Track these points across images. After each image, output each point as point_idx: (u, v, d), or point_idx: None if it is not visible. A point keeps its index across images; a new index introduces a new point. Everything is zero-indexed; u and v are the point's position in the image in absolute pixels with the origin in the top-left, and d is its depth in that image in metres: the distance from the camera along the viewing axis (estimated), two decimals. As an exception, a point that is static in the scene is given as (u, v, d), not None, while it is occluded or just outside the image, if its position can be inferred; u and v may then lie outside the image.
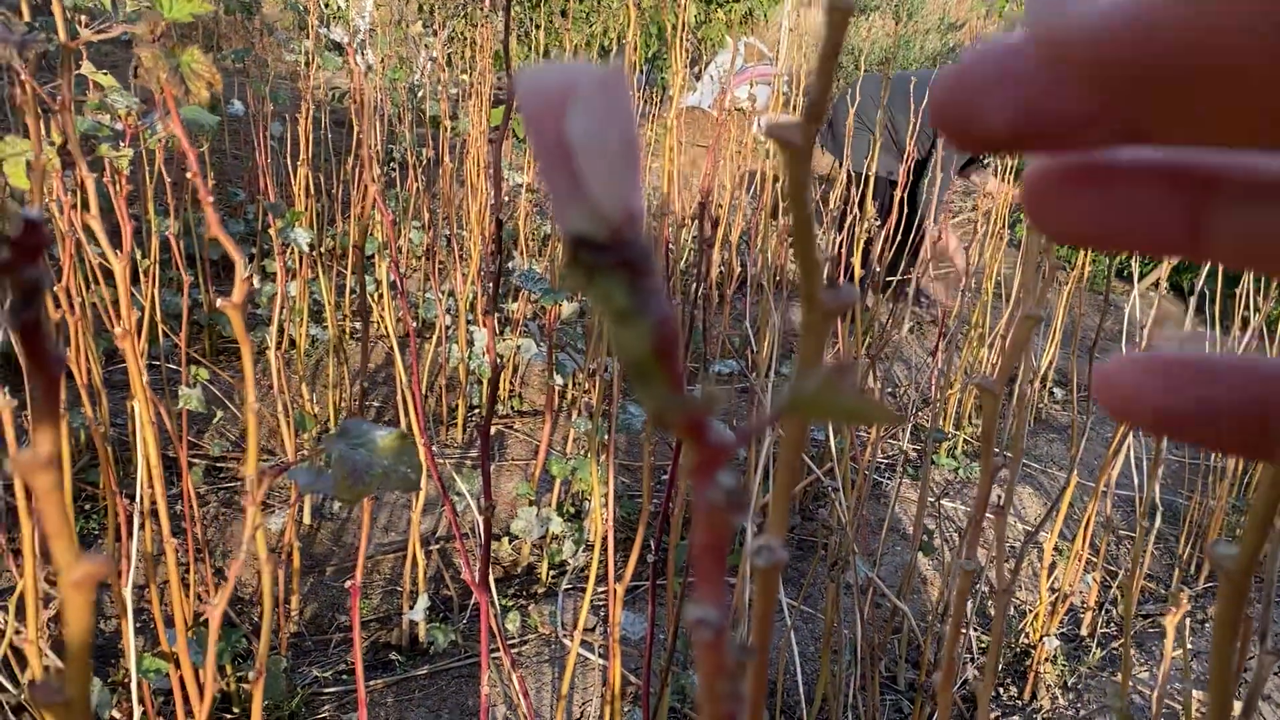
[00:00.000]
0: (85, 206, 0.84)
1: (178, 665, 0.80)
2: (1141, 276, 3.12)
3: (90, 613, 0.22)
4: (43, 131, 0.80)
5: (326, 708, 1.52)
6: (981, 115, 0.15)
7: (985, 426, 0.54)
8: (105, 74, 1.19)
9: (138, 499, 0.86)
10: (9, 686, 1.27)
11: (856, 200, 2.63)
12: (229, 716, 1.44)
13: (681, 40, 3.65)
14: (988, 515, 0.59)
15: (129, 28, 0.63)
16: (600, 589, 1.80)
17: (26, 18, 0.65)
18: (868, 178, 2.70)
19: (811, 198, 0.19)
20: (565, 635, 1.72)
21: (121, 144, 0.86)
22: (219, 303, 0.53)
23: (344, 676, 1.58)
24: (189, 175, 0.52)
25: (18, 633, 0.74)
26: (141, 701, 0.81)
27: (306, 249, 1.64)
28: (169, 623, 1.27)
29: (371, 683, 1.57)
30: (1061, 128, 0.15)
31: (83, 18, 1.21)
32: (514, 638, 1.72)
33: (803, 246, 0.23)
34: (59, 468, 0.20)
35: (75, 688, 0.22)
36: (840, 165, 3.33)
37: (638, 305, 0.13)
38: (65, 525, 0.20)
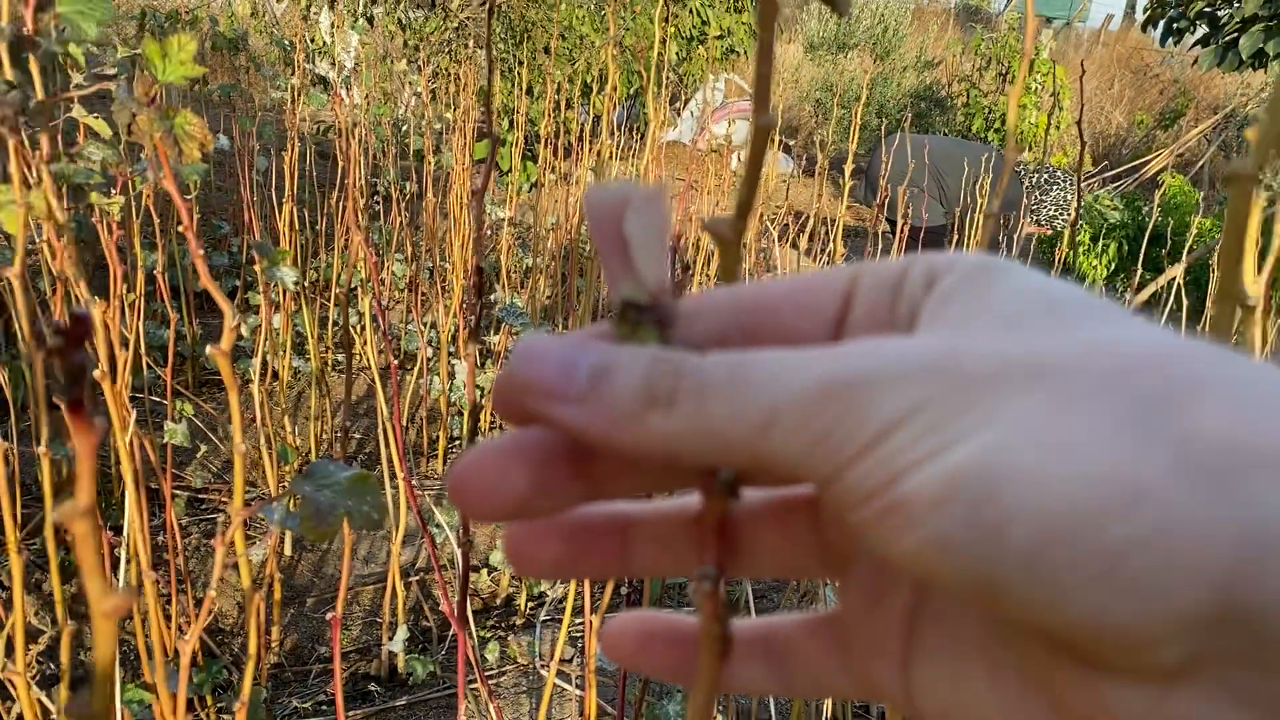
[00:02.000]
0: (69, 251, 0.87)
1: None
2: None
3: (115, 639, 0.25)
4: (30, 177, 0.83)
5: (306, 738, 1.53)
6: (486, 502, 0.21)
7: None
8: (97, 118, 1.22)
9: (125, 534, 0.89)
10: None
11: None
12: (208, 747, 1.45)
13: (663, 78, 3.72)
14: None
15: (106, 85, 0.67)
16: (577, 620, 1.82)
17: (8, 73, 0.68)
18: (914, 226, 3.05)
19: (740, 280, 0.23)
20: (543, 666, 1.74)
21: (113, 191, 0.89)
22: (208, 349, 0.56)
23: (324, 707, 1.60)
24: (181, 227, 0.55)
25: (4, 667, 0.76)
26: (127, 730, 0.83)
27: (291, 286, 1.68)
28: (151, 653, 1.28)
29: (351, 713, 1.59)
30: (539, 507, 0.21)
31: (69, 60, 1.24)
32: (492, 668, 1.74)
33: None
34: (95, 515, 0.23)
35: (100, 703, 0.26)
36: (882, 215, 3.59)
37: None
38: (98, 564, 0.24)
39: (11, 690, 1.25)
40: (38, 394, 1.14)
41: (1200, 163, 7.61)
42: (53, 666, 1.53)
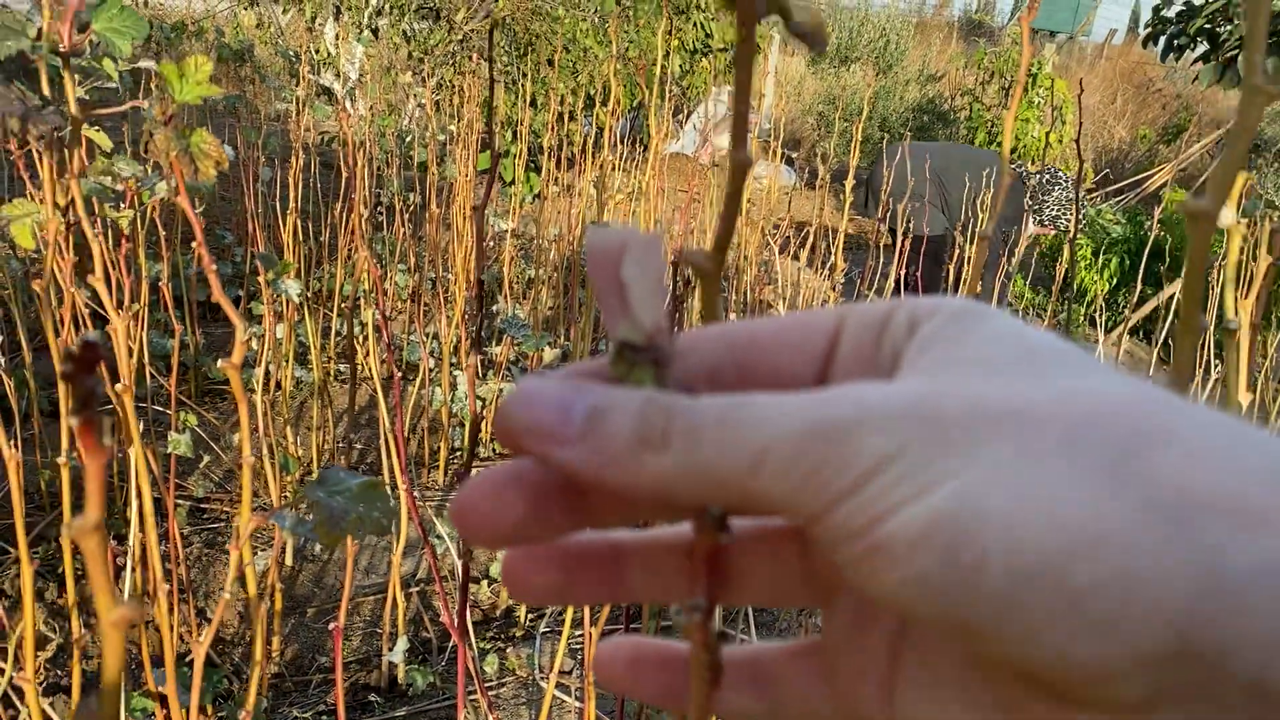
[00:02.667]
0: (90, 266, 0.89)
1: (164, 704, 0.83)
2: (1111, 327, 3.20)
3: (123, 648, 0.26)
4: (36, 192, 0.84)
5: (305, 749, 1.54)
6: (485, 529, 0.22)
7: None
8: (97, 130, 1.24)
9: (130, 543, 0.90)
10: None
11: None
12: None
13: (666, 90, 3.74)
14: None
15: (139, 104, 0.68)
16: (577, 633, 1.83)
17: (46, 90, 0.69)
18: (915, 236, 3.13)
19: (720, 314, 0.24)
20: (542, 678, 1.75)
21: (123, 205, 0.91)
22: (219, 363, 0.57)
23: (323, 717, 1.60)
24: (194, 244, 0.56)
25: (18, 670, 0.77)
26: (129, 739, 0.84)
27: (295, 298, 1.69)
28: (154, 662, 1.29)
29: (350, 724, 1.59)
30: (535, 534, 0.22)
31: (76, 76, 1.26)
32: (491, 680, 1.74)
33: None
34: (103, 531, 0.24)
35: (109, 709, 0.27)
36: (883, 225, 3.61)
37: (659, 387, 0.20)
38: (107, 577, 0.24)
39: (15, 699, 1.25)
40: (55, 402, 1.15)
41: (1203, 177, 7.63)
42: (59, 674, 1.53)
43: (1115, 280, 4.81)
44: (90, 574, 0.24)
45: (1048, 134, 2.08)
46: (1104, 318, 2.66)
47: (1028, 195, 3.78)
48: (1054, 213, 3.76)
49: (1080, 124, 1.23)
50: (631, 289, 0.20)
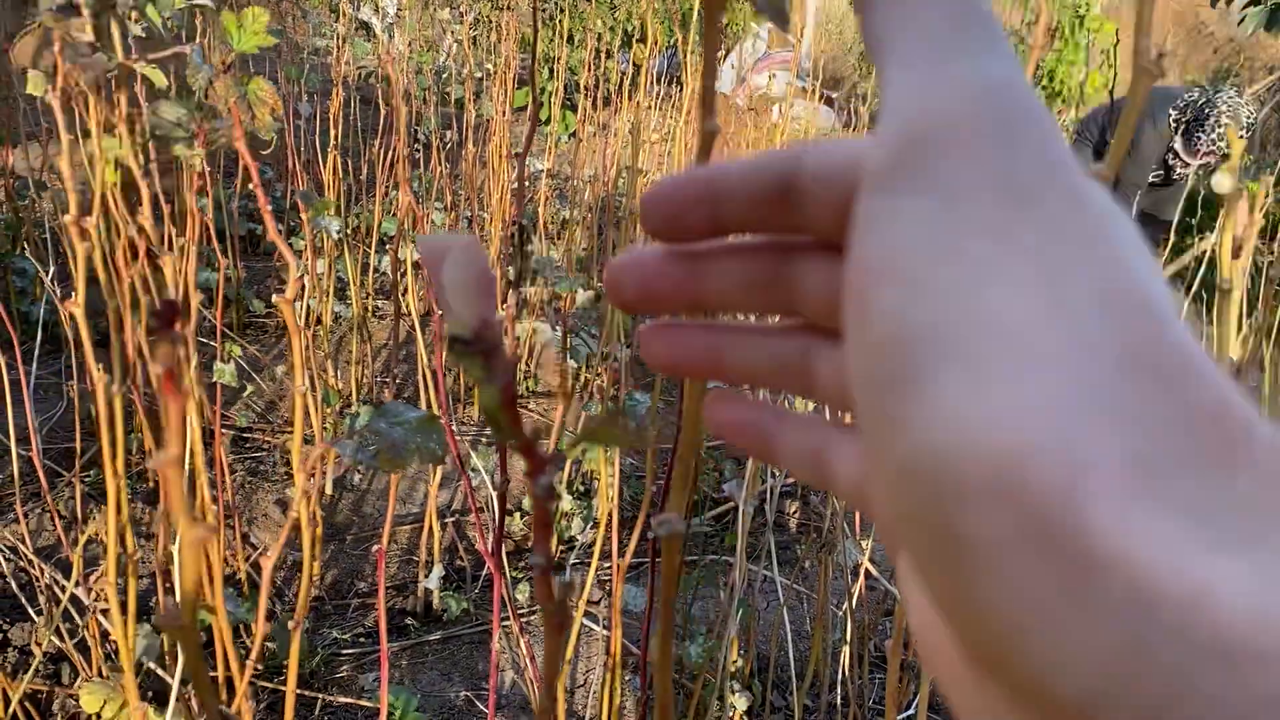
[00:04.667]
0: (139, 201, 0.92)
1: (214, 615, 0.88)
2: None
3: (200, 561, 0.30)
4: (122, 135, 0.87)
5: (345, 667, 1.61)
6: (621, 289, 0.26)
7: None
8: (154, 69, 1.27)
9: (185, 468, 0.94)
10: (55, 640, 1.37)
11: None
12: (255, 670, 1.53)
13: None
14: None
15: (182, 49, 0.71)
16: (605, 564, 1.88)
17: (90, 37, 0.72)
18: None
19: None
20: (571, 606, 1.81)
21: (196, 144, 0.94)
22: (274, 299, 0.61)
23: (361, 639, 1.67)
24: (250, 185, 0.59)
25: (78, 583, 0.82)
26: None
27: (335, 235, 1.73)
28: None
29: (388, 646, 1.66)
30: (663, 299, 0.26)
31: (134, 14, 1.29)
32: (523, 608, 1.81)
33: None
34: (182, 463, 0.28)
35: (188, 614, 0.30)
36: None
37: (489, 376, 0.22)
38: (185, 503, 0.28)
39: (75, 615, 1.32)
40: (102, 331, 1.20)
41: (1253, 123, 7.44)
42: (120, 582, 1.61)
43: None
44: (171, 499, 0.28)
45: (1083, 82, 2.05)
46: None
47: (1178, 127, 3.55)
48: (1214, 136, 3.50)
49: (1115, 72, 1.23)
50: (453, 290, 0.22)
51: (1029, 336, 0.15)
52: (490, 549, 0.99)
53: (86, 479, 1.83)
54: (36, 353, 1.79)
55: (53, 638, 1.35)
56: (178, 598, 0.31)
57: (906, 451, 0.15)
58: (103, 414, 0.79)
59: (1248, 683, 0.12)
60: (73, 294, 0.88)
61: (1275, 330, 1.36)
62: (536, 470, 0.23)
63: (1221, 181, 0.40)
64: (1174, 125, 3.58)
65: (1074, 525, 0.13)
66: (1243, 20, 5.02)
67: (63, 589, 1.22)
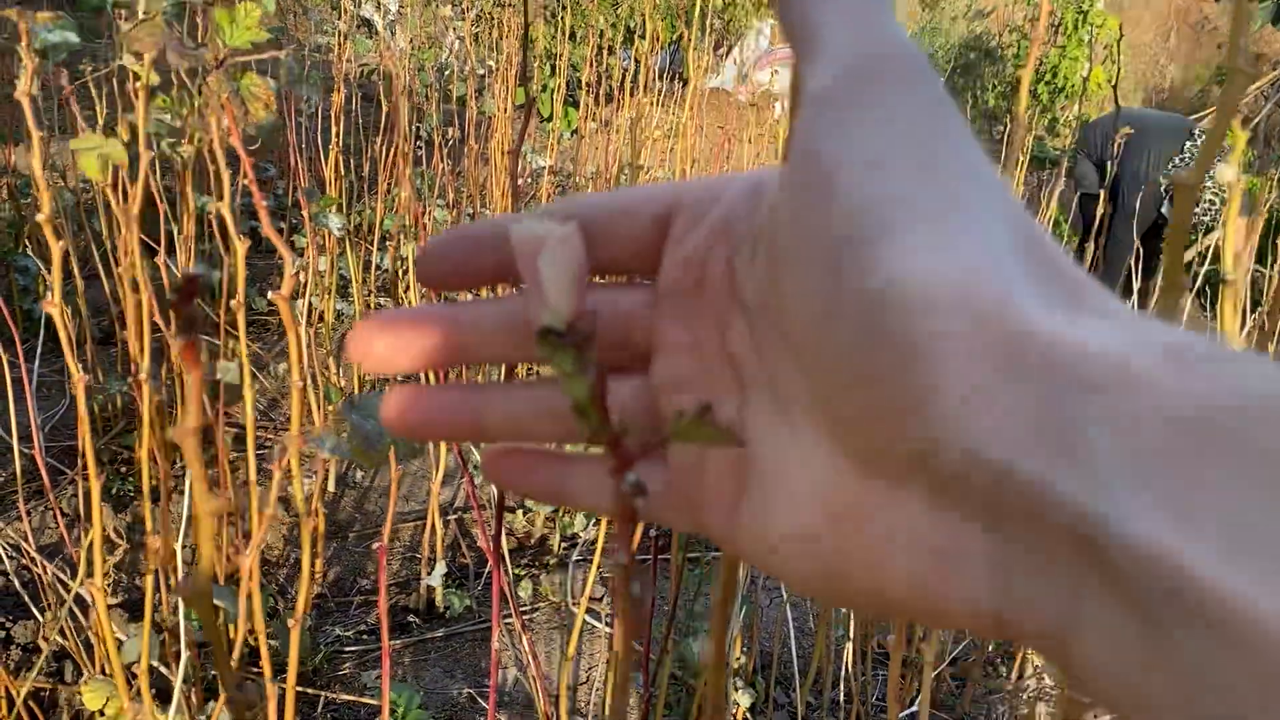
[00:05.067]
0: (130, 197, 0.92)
1: (217, 615, 0.88)
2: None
3: (214, 532, 0.30)
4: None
5: (347, 665, 1.61)
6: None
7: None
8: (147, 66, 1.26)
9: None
10: (58, 637, 1.37)
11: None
12: (255, 670, 1.53)
13: (707, 24, 3.69)
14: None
15: (182, 47, 0.71)
16: (609, 561, 1.88)
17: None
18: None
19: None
20: (574, 603, 1.81)
21: (182, 141, 0.94)
22: (270, 295, 0.60)
23: (364, 636, 1.68)
24: (246, 180, 0.60)
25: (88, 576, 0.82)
26: (189, 647, 0.90)
27: (337, 232, 1.73)
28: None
29: (391, 643, 1.66)
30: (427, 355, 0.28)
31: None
32: (526, 604, 1.81)
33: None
34: (200, 434, 0.28)
35: (202, 582, 0.30)
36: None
37: (580, 369, 0.22)
38: (202, 470, 0.28)
39: (79, 614, 1.32)
40: (105, 330, 1.19)
41: (1256, 120, 7.44)
42: (125, 579, 1.61)
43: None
44: (190, 468, 0.28)
45: (1086, 77, 2.04)
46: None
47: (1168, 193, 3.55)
48: (1200, 210, 3.51)
49: (1118, 69, 1.22)
50: (549, 280, 0.22)
51: (970, 207, 0.20)
52: (491, 545, 0.99)
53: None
54: (39, 350, 1.79)
55: (56, 636, 1.35)
56: (197, 569, 0.31)
57: (882, 282, 0.19)
58: (82, 414, 0.79)
59: (1107, 398, 0.17)
60: (73, 290, 0.87)
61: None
62: (624, 465, 0.22)
63: (1223, 171, 0.40)
64: (1166, 192, 3.59)
65: (1009, 317, 0.19)
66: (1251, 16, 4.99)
67: (66, 588, 1.22)
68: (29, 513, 1.68)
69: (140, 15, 0.65)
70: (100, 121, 2.04)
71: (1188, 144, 3.56)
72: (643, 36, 3.53)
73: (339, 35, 2.58)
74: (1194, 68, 9.39)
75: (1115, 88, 1.18)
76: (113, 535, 1.57)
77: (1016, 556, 0.19)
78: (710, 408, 0.22)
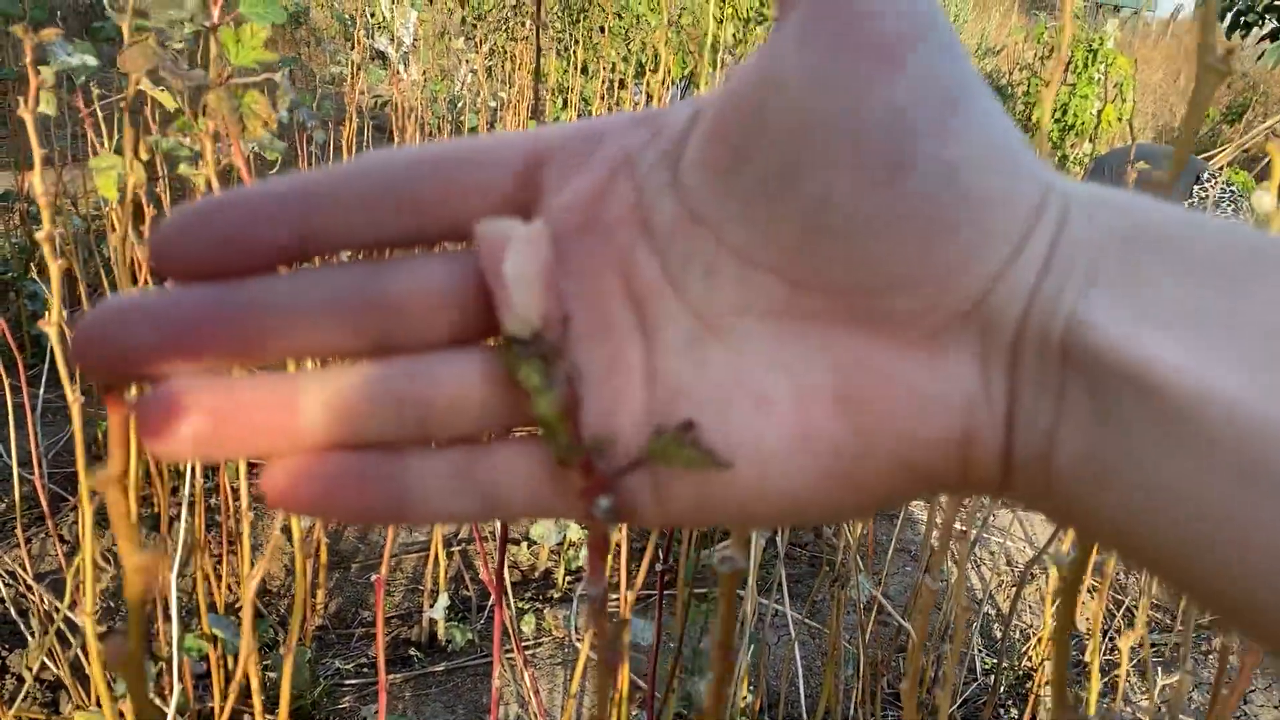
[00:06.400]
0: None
1: (215, 645, 0.86)
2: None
3: (145, 589, 0.27)
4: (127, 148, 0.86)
5: (347, 698, 1.58)
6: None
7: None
8: (163, 91, 1.26)
9: (183, 494, 0.93)
10: (50, 664, 1.35)
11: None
12: (250, 704, 1.50)
13: (718, 59, 3.71)
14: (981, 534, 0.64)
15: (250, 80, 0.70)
16: (613, 596, 1.86)
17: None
18: None
19: None
20: (578, 639, 1.78)
21: (200, 163, 0.93)
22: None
23: (365, 669, 1.65)
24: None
25: (73, 606, 0.80)
26: (181, 679, 0.88)
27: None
28: (201, 609, 1.34)
29: (390, 677, 1.63)
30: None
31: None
32: (529, 639, 1.78)
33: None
34: (124, 482, 0.25)
35: (134, 643, 0.28)
36: None
37: (548, 382, 0.20)
38: (130, 526, 0.26)
39: (70, 634, 1.30)
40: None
41: (1266, 159, 7.41)
42: (113, 603, 1.59)
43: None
44: (113, 522, 0.26)
45: (1100, 111, 2.04)
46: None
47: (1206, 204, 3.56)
48: None
49: (1134, 104, 1.21)
50: (516, 282, 0.20)
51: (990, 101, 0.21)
52: (493, 578, 0.97)
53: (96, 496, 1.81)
54: (44, 376, 1.78)
55: (49, 663, 1.33)
56: (127, 632, 0.29)
57: (963, 147, 0.20)
58: (78, 438, 0.78)
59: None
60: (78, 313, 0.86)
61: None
62: (596, 489, 0.21)
63: (1261, 200, 0.38)
64: None
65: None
66: (1261, 56, 5.02)
67: (58, 612, 1.20)
68: (29, 539, 1.67)
69: (129, 38, 0.64)
70: (109, 146, 2.04)
71: (1195, 188, 3.56)
72: (654, 70, 3.54)
73: (352, 65, 2.59)
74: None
75: (1131, 124, 1.17)
76: (99, 560, 1.55)
77: (1024, 384, 0.20)
78: (692, 425, 0.20)
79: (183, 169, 0.86)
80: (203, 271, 0.21)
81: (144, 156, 0.78)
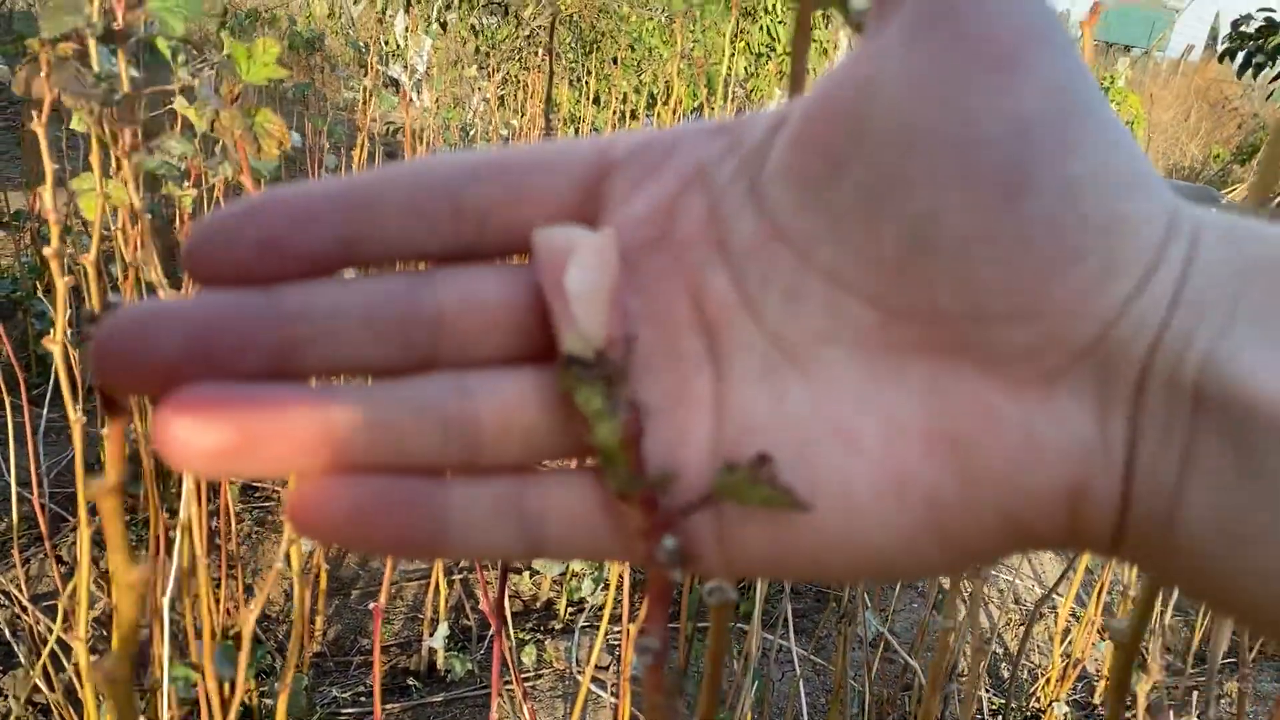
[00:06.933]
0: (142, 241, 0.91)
1: (204, 676, 0.84)
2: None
3: (137, 608, 0.26)
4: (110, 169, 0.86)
5: (343, 728, 1.56)
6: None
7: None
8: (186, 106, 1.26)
9: (182, 516, 0.92)
10: (43, 688, 1.33)
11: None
12: (249, 730, 1.48)
13: (730, 91, 3.73)
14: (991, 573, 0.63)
15: (188, 82, 0.70)
16: (615, 628, 1.83)
17: (95, 65, 0.71)
18: None
19: None
20: (579, 671, 1.75)
21: (186, 183, 0.92)
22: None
23: (362, 698, 1.62)
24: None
25: (66, 629, 0.79)
26: (170, 706, 0.86)
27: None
28: (199, 635, 1.32)
29: (389, 707, 1.61)
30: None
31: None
32: (529, 671, 1.76)
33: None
34: (120, 494, 0.24)
35: (121, 665, 0.27)
36: None
37: (611, 408, 0.18)
38: (124, 540, 0.25)
39: (63, 656, 1.29)
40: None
41: (1278, 199, 7.42)
42: (105, 633, 1.57)
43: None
44: (107, 535, 0.25)
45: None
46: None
47: None
48: None
49: (1149, 138, 1.21)
50: (579, 298, 0.18)
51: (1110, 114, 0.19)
52: (493, 608, 0.95)
53: (97, 519, 1.80)
54: (49, 395, 1.78)
55: (42, 686, 1.31)
56: (115, 649, 0.28)
57: (1089, 163, 0.18)
58: (78, 457, 0.77)
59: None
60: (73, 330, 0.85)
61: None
62: (660, 528, 0.18)
63: None
64: None
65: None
66: (1271, 94, 5.03)
67: (51, 633, 1.18)
68: (26, 560, 1.65)
69: (45, 60, 0.63)
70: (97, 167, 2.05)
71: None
72: (665, 102, 3.56)
73: (364, 92, 2.60)
74: (1214, 146, 9.41)
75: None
76: (93, 588, 1.53)
77: (1147, 432, 0.18)
78: (768, 459, 0.18)
79: (169, 188, 0.85)
80: (237, 277, 0.19)
81: (127, 177, 0.77)
